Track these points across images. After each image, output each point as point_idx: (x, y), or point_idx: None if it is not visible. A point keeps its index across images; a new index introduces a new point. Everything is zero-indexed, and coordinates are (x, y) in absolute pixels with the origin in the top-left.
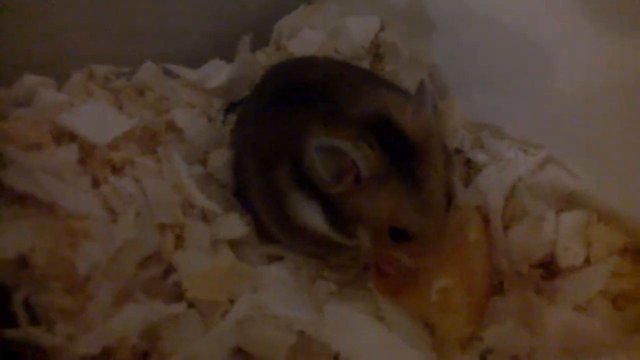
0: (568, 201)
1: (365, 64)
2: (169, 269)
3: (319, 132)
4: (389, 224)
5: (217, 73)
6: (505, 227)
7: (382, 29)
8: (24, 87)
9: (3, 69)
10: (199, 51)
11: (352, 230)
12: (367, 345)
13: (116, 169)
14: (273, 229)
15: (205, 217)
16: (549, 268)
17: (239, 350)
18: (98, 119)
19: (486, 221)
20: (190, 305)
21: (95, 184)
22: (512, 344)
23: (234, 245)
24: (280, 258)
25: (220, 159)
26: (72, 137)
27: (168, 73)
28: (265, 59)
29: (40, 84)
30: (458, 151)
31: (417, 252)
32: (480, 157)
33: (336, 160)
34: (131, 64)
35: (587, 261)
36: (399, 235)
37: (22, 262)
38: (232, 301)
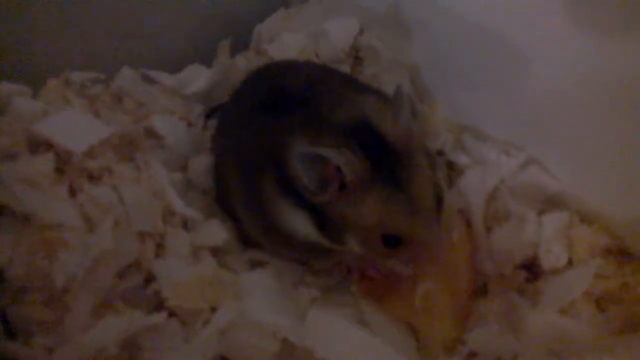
0: (550, 202)
1: (345, 68)
2: (149, 278)
3: (301, 140)
4: (380, 231)
5: (197, 78)
6: (488, 229)
7: (361, 32)
8: None
9: None
10: (178, 55)
11: (341, 237)
12: (351, 350)
13: (93, 178)
14: (256, 236)
15: (186, 224)
16: (532, 270)
17: (222, 359)
18: (74, 126)
19: (468, 224)
20: (172, 314)
21: (72, 193)
22: (496, 347)
23: (216, 252)
24: (262, 264)
25: (201, 165)
26: (48, 145)
27: (146, 79)
28: (245, 63)
29: (15, 93)
30: (440, 153)
31: (412, 258)
32: (462, 159)
33: (319, 168)
34: (109, 69)
35: (570, 263)
36: (392, 242)
37: None
38: (214, 309)
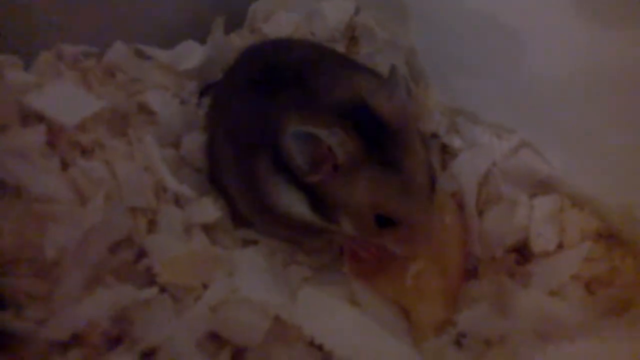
0: (542, 186)
1: (340, 47)
2: (141, 254)
3: (294, 120)
4: (373, 211)
5: (190, 55)
6: (480, 212)
7: (357, 12)
8: None
9: None
10: (172, 32)
11: (335, 216)
12: (342, 329)
13: (85, 152)
14: (249, 214)
15: (178, 201)
16: (522, 253)
17: (213, 335)
18: (66, 99)
19: (460, 206)
20: (163, 290)
21: (64, 166)
22: (485, 328)
23: (208, 229)
24: (254, 242)
25: (194, 142)
26: (39, 118)
27: (140, 54)
28: (240, 41)
29: (7, 64)
30: (434, 136)
31: (406, 239)
32: (455, 142)
33: (312, 148)
34: (102, 43)
35: (561, 246)
36: (385, 222)
37: None
38: (205, 286)
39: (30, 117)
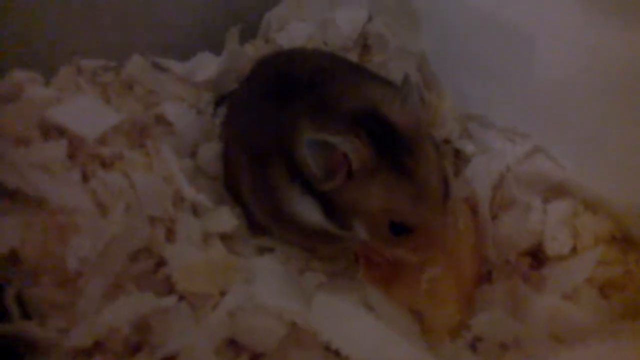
0: (556, 190)
1: (353, 56)
2: (160, 262)
3: (308, 128)
4: (387, 218)
5: (206, 66)
6: (494, 217)
7: (369, 20)
8: (11, 83)
9: None
10: (188, 44)
11: (349, 223)
12: (357, 334)
13: (105, 164)
14: (265, 222)
15: (195, 210)
16: (537, 257)
17: (230, 341)
18: (86, 113)
19: (474, 211)
20: (181, 297)
21: (85, 178)
22: (500, 332)
23: (225, 238)
24: (270, 250)
25: (210, 152)
26: (60, 132)
27: (156, 67)
28: (254, 51)
29: (27, 79)
30: (447, 142)
31: (420, 245)
32: (468, 147)
33: (327, 155)
34: (119, 57)
35: (575, 250)
36: (399, 229)
37: (13, 257)
38: (223, 293)
39: (51, 131)
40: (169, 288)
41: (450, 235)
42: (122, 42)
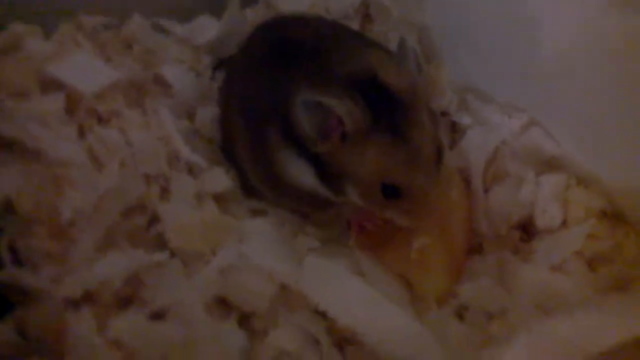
0: (549, 164)
1: (354, 25)
2: (153, 220)
3: (305, 90)
4: (380, 180)
5: (206, 29)
6: (486, 190)
7: None
8: (11, 35)
9: None
10: (189, 7)
11: (341, 187)
12: (346, 297)
13: (102, 120)
14: (259, 185)
15: (190, 170)
16: (527, 230)
17: (220, 300)
18: (85, 69)
19: (467, 183)
20: (173, 255)
21: (81, 133)
22: (487, 301)
23: (219, 198)
24: (264, 213)
25: (208, 115)
26: (58, 86)
27: (157, 27)
28: (255, 16)
29: (26, 33)
30: (444, 114)
31: (411, 210)
32: (465, 120)
33: (321, 117)
34: (120, 16)
35: (565, 223)
36: (391, 192)
37: (8, 205)
38: (215, 252)
39: (49, 85)
40: (161, 245)
41: (442, 204)
42: (123, 1)
